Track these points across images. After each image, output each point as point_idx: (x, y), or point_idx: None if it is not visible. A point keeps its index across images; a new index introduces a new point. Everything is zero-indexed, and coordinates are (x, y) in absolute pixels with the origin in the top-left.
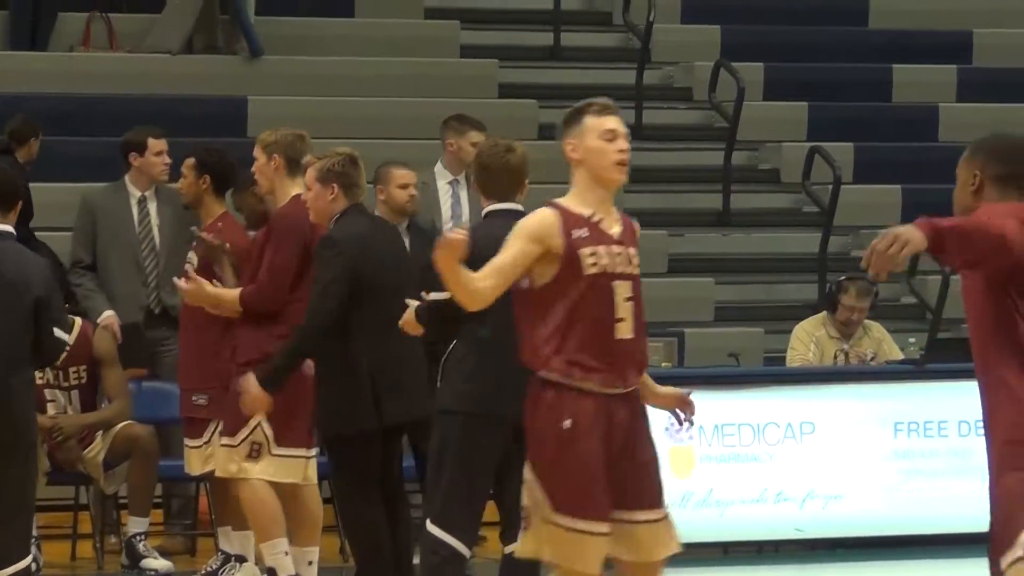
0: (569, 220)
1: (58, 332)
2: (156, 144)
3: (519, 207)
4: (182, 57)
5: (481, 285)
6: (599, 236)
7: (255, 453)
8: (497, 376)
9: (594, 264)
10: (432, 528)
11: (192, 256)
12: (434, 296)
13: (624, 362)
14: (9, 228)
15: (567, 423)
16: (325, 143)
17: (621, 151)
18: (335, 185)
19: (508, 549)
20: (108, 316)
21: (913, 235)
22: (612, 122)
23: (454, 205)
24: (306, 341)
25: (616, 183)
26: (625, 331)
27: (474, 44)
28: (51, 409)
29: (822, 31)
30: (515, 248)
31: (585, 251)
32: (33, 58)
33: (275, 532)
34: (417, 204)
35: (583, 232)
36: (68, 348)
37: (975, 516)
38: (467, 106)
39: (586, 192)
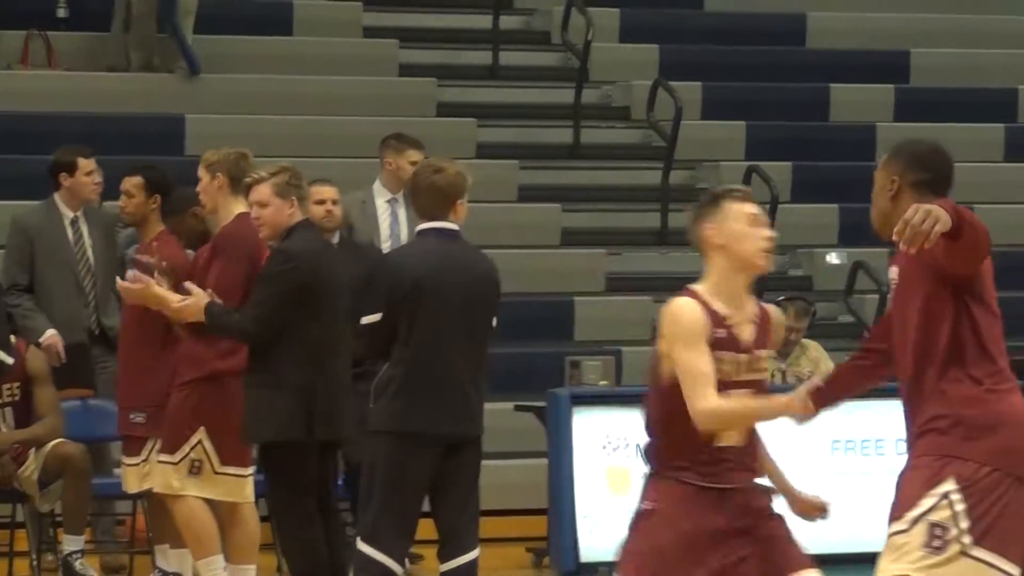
0: (712, 318)
1: (1, 355)
2: (86, 164)
3: (452, 226)
4: (120, 75)
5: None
6: (731, 341)
7: (196, 470)
8: (425, 396)
9: (717, 370)
10: (363, 546)
11: (131, 273)
12: (367, 319)
13: (722, 467)
14: None
15: (647, 505)
16: (265, 161)
17: (767, 238)
18: (294, 199)
19: (444, 568)
20: (51, 335)
21: (942, 215)
22: (755, 208)
23: (392, 223)
24: (242, 335)
25: (760, 270)
26: (729, 438)
27: (413, 63)
28: None
29: (760, 51)
30: (702, 352)
31: (713, 355)
32: None
33: (211, 549)
34: (336, 220)
35: (720, 333)
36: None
37: None
38: (406, 124)
39: (723, 282)
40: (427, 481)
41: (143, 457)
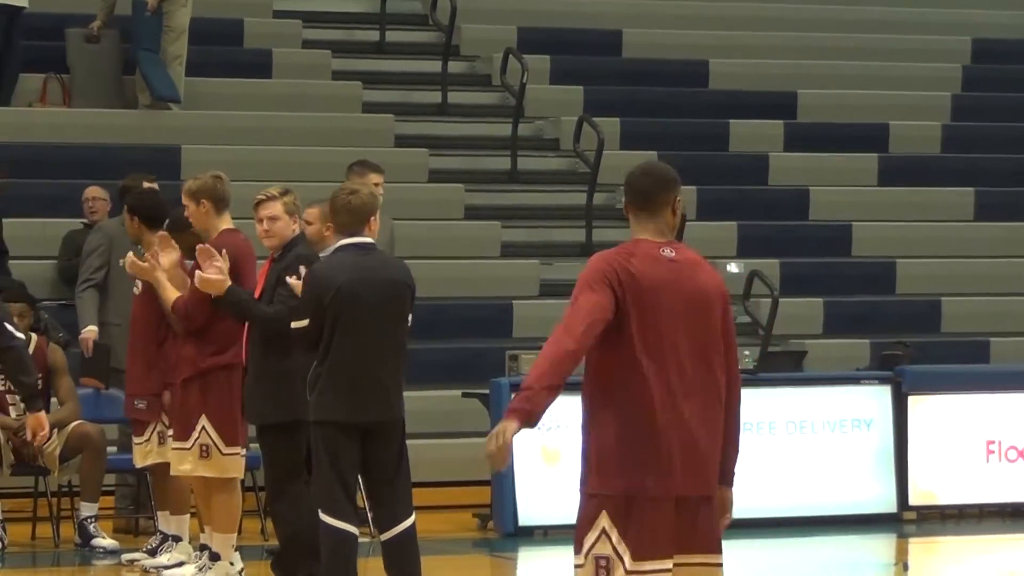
0: None
1: (9, 327)
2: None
3: (367, 239)
4: (125, 111)
5: None
6: None
7: (205, 453)
8: (346, 389)
9: None
10: (324, 517)
11: (138, 282)
12: (296, 324)
13: None
14: None
15: None
16: (250, 186)
17: None
18: (296, 216)
19: (383, 538)
20: (90, 330)
21: (508, 425)
22: None
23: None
24: (269, 323)
25: None
26: None
27: (374, 101)
28: (12, 412)
29: (669, 91)
30: None
31: None
32: None
33: (234, 528)
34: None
35: None
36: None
37: (797, 504)
38: (368, 154)
39: None
40: (357, 459)
41: (146, 438)
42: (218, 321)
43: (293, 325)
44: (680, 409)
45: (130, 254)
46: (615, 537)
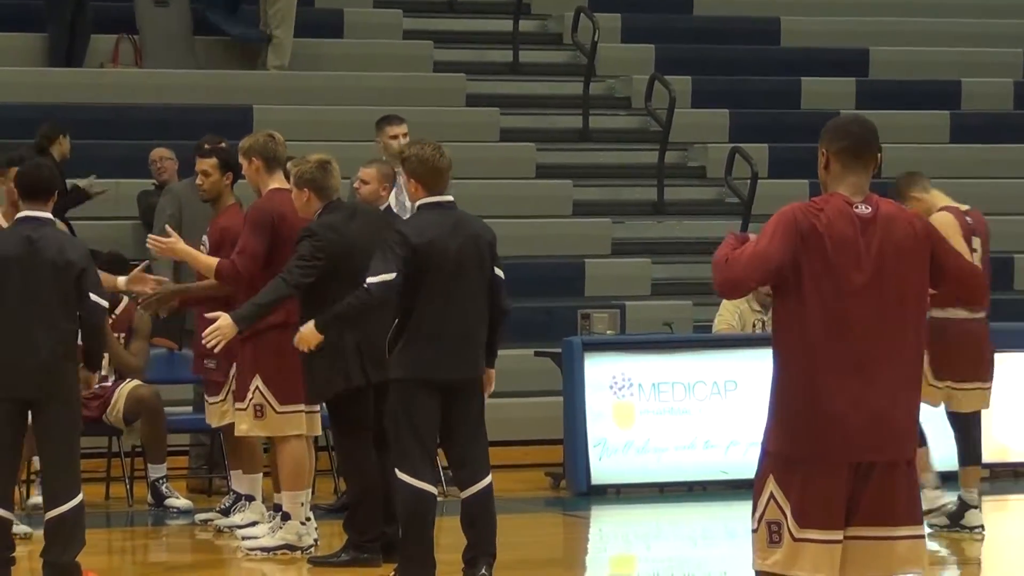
0: None
1: (95, 297)
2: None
3: (448, 198)
4: (196, 72)
5: None
6: None
7: (259, 413)
8: (428, 346)
9: None
10: (401, 475)
11: (205, 239)
12: (376, 279)
13: None
14: (48, 215)
15: None
16: (317, 146)
17: None
18: (307, 189)
19: (463, 495)
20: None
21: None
22: None
23: (397, 192)
24: (361, 313)
25: None
26: None
27: (445, 60)
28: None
29: (741, 49)
30: None
31: None
32: (70, 73)
33: (301, 485)
34: (362, 196)
35: None
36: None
37: None
38: (439, 114)
39: None
40: (438, 417)
41: (221, 398)
42: (268, 280)
43: (371, 280)
44: (861, 373)
45: (149, 236)
46: (784, 502)
